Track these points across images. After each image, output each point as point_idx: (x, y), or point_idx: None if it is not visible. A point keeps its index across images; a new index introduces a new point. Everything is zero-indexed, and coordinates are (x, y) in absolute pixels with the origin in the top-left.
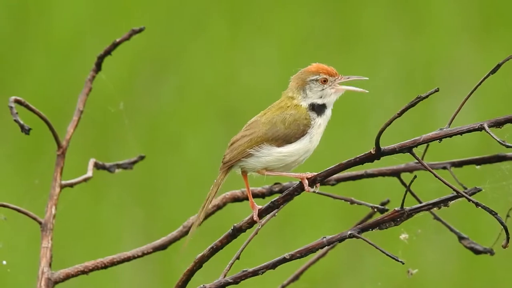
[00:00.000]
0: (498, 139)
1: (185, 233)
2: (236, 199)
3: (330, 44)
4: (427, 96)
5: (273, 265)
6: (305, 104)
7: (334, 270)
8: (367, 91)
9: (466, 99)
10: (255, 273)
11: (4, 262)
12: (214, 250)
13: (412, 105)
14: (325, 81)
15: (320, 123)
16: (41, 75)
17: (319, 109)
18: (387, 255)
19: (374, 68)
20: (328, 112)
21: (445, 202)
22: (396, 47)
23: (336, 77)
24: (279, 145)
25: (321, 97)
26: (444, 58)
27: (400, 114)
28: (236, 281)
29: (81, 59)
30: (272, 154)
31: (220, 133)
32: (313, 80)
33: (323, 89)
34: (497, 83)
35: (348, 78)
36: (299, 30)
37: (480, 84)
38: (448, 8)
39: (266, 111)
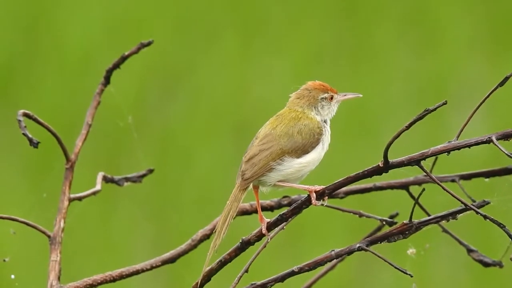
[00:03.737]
0: (506, 152)
1: (193, 246)
2: (244, 212)
3: (342, 60)
4: (435, 109)
5: (282, 278)
6: (318, 118)
7: (343, 282)
8: (361, 95)
9: (475, 111)
10: (263, 286)
11: (13, 276)
12: (222, 263)
13: (420, 117)
14: (331, 98)
15: (328, 130)
16: (52, 89)
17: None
18: (395, 267)
19: (386, 83)
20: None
21: (453, 215)
22: (407, 63)
23: (337, 93)
24: (298, 156)
25: (329, 113)
26: (455, 73)
27: (408, 127)
28: None
29: (92, 73)
30: (293, 166)
31: (231, 147)
32: (323, 98)
33: (329, 106)
34: (508, 96)
35: (345, 95)
36: (311, 45)
37: (488, 96)
38: (459, 24)
39: (276, 123)
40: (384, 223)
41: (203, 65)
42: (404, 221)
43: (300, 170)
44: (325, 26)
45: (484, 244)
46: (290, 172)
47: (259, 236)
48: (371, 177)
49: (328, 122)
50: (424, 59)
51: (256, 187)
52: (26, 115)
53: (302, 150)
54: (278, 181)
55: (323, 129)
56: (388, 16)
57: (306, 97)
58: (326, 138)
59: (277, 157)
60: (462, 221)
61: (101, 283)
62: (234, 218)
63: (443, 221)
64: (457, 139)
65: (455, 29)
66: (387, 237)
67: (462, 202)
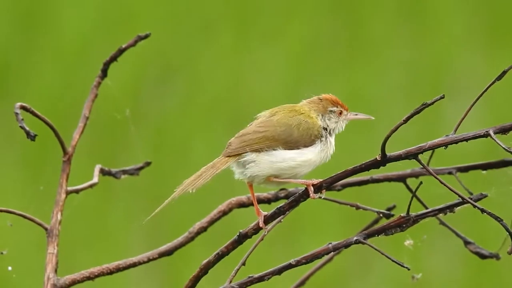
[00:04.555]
0: (503, 146)
1: (190, 239)
2: (241, 205)
3: (337, 52)
4: (432, 103)
5: (279, 271)
6: (321, 123)
7: (341, 275)
8: (373, 118)
9: (472, 105)
10: (261, 279)
11: (10, 268)
12: (220, 256)
13: (417, 111)
14: (340, 113)
15: (331, 142)
16: (48, 82)
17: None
18: (393, 261)
19: (382, 75)
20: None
21: (451, 208)
22: (403, 55)
23: (347, 112)
24: (290, 149)
25: (335, 127)
26: (451, 65)
27: (406, 121)
28: (242, 287)
29: (88, 65)
30: (283, 157)
31: (227, 139)
32: (332, 111)
33: (337, 121)
34: (504, 90)
35: (356, 115)
36: (306, 37)
37: (486, 90)
38: (455, 16)
39: (276, 111)
40: (381, 215)
41: (199, 57)
42: (402, 214)
43: (290, 165)
44: (320, 18)
45: (480, 235)
46: (280, 165)
47: (256, 229)
48: (368, 170)
49: (333, 136)
50: (420, 51)
51: (250, 183)
52: (23, 108)
53: (294, 145)
54: (272, 176)
55: (323, 137)
56: (383, 8)
57: (317, 104)
58: (325, 148)
59: (267, 142)
60: (458, 213)
61: (98, 275)
62: (231, 210)
63: (440, 214)
64: (454, 133)
65: (450, 20)
66: (385, 230)
67: (459, 196)
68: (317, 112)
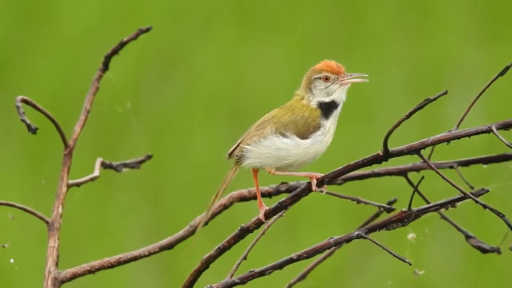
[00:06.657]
0: (506, 142)
1: (191, 232)
2: (243, 199)
3: (337, 45)
4: (435, 99)
5: (280, 266)
6: (314, 103)
7: (341, 268)
8: (367, 80)
9: (475, 101)
10: (262, 273)
11: (12, 261)
12: (221, 251)
13: (420, 107)
14: (327, 79)
15: (328, 127)
16: (49, 75)
17: (327, 109)
18: (394, 255)
19: (381, 69)
20: (337, 111)
21: (452, 203)
22: (403, 48)
23: (340, 74)
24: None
25: (327, 94)
26: (452, 59)
27: (408, 116)
28: (243, 281)
29: (89, 58)
30: (276, 143)
31: (227, 133)
32: (316, 78)
33: (327, 87)
34: (505, 85)
35: (351, 75)
36: (306, 31)
37: (488, 86)
38: (456, 9)
39: (276, 112)
40: (382, 209)
41: (200, 51)
42: (403, 209)
43: (281, 152)
44: (321, 12)
45: (481, 230)
46: (269, 151)
47: (258, 224)
48: (370, 165)
49: (336, 112)
50: (421, 45)
51: (255, 172)
52: (24, 101)
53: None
54: (271, 167)
55: (321, 126)
56: (383, 2)
57: (305, 81)
58: (322, 139)
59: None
60: (460, 207)
61: (99, 269)
62: (232, 204)
63: (442, 209)
64: (457, 128)
65: (450, 15)
66: (386, 225)
67: (461, 191)
68: (306, 89)
